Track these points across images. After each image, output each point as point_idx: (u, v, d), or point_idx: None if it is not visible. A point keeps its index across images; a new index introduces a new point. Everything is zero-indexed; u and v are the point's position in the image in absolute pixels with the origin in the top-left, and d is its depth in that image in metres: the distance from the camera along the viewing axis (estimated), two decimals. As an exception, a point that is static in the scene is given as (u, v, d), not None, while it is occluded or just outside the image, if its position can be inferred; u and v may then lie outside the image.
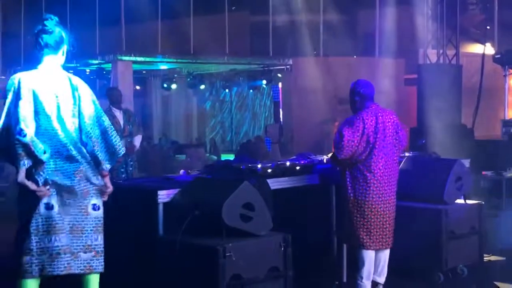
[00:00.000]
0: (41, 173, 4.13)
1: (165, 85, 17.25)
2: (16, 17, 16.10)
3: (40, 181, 4.12)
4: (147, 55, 14.03)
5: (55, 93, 4.21)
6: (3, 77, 15.20)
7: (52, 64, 4.29)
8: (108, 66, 13.56)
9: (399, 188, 5.72)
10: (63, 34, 4.34)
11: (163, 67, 16.06)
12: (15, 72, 4.39)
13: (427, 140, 8.98)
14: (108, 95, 9.16)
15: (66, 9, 15.02)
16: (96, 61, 13.66)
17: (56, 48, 4.30)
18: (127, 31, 14.04)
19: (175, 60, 14.78)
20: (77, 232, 4.25)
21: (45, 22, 4.30)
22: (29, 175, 4.14)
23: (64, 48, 4.35)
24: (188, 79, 17.05)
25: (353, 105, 5.65)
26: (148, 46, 14.67)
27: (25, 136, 4.07)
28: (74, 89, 4.28)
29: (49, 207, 4.16)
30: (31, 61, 4.36)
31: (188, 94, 18.34)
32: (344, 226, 5.55)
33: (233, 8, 15.84)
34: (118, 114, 8.91)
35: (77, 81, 4.34)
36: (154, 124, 18.25)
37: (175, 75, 17.22)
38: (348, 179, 5.41)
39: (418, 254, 5.95)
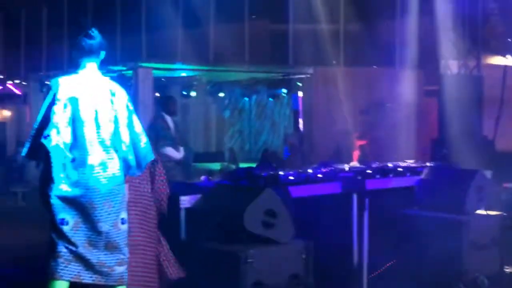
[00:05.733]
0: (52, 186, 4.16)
1: (184, 93, 17.29)
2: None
3: (51, 196, 4.16)
4: (167, 62, 14.08)
5: (94, 99, 4.26)
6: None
7: (93, 69, 4.35)
8: (129, 73, 13.63)
9: (421, 197, 5.74)
10: (102, 40, 4.40)
11: (183, 74, 16.10)
12: (56, 76, 4.43)
13: (448, 151, 8.97)
14: (162, 103, 9.28)
15: (87, 16, 15.15)
16: (118, 68, 13.73)
17: (97, 53, 4.37)
18: (148, 39, 14.11)
19: (194, 68, 14.82)
20: (112, 248, 4.27)
21: (91, 28, 4.37)
22: (44, 184, 4.19)
23: (103, 53, 4.42)
24: (208, 87, 17.07)
25: None
26: (168, 54, 14.72)
27: (49, 141, 4.13)
28: (112, 94, 4.33)
29: (63, 222, 4.18)
30: (73, 66, 4.42)
31: (207, 101, 18.36)
32: None
33: (253, 16, 15.86)
34: (170, 121, 9.02)
35: (115, 86, 4.40)
36: (173, 131, 18.28)
37: (195, 83, 17.25)
38: None
39: (439, 264, 5.92)
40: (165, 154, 8.45)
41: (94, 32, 4.37)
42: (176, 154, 8.82)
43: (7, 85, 19.68)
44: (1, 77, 19.61)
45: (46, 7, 16.96)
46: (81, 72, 4.34)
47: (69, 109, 4.19)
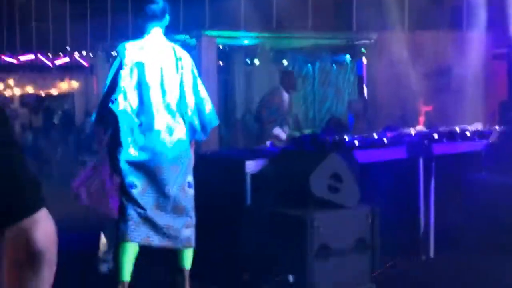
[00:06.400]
0: (120, 150, 4.22)
1: (247, 61, 17.28)
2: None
3: (120, 160, 4.23)
4: (230, 29, 14.09)
5: (160, 63, 4.32)
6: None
7: (158, 34, 4.41)
8: (193, 41, 13.69)
9: (489, 162, 5.63)
10: (166, 4, 4.46)
11: (246, 42, 16.10)
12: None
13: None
14: (281, 78, 9.29)
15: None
16: (181, 37, 13.81)
17: (161, 18, 4.42)
18: (211, 6, 14.14)
19: (258, 35, 14.78)
20: (179, 211, 4.35)
21: None
22: (113, 149, 4.27)
23: (167, 17, 4.47)
24: (271, 54, 17.00)
25: None
26: (231, 21, 14.72)
27: (117, 106, 4.19)
28: (177, 59, 4.38)
29: (132, 186, 4.26)
30: (138, 34, 4.49)
31: (270, 69, 18.31)
32: None
33: (316, -18, 15.69)
34: (286, 98, 9.02)
35: (181, 51, 4.45)
36: (237, 100, 18.33)
37: (258, 50, 17.22)
38: None
39: (507, 229, 5.81)
40: (274, 134, 8.54)
41: None
42: (283, 135, 8.85)
43: (74, 56, 20.05)
44: (68, 49, 19.99)
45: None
46: (146, 37, 4.39)
47: (135, 74, 4.25)
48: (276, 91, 9.09)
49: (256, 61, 17.34)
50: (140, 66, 4.27)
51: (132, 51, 4.29)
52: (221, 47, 14.84)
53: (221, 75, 15.88)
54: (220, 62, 16.52)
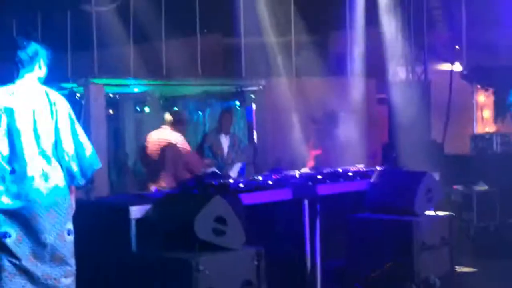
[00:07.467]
0: None
1: (137, 108, 17.19)
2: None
3: None
4: (119, 78, 13.98)
5: (32, 108, 4.21)
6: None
7: (29, 79, 4.29)
8: (81, 90, 13.49)
9: (372, 201, 5.83)
10: (38, 49, 4.34)
11: (136, 90, 16.02)
12: None
13: (398, 155, 9.11)
14: (219, 117, 9.09)
15: (37, 32, 14.98)
16: (69, 85, 13.59)
17: (30, 62, 4.29)
18: (99, 56, 14.00)
19: (147, 82, 14.74)
20: (58, 260, 4.22)
21: (17, 38, 4.32)
22: None
23: (41, 62, 4.34)
24: (161, 102, 16.99)
25: None
26: (120, 70, 14.61)
27: None
28: (52, 104, 4.28)
29: (5, 235, 4.12)
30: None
31: (161, 117, 18.26)
32: None
33: (205, 30, 15.87)
34: (224, 140, 8.82)
35: (56, 95, 4.35)
36: (128, 148, 18.15)
37: (148, 98, 17.17)
38: None
39: (391, 265, 5.98)
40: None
41: (23, 41, 4.31)
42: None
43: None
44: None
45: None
46: (18, 82, 4.28)
47: (4, 120, 4.13)
48: (209, 133, 9.09)
49: (147, 109, 17.27)
50: (9, 111, 4.15)
51: (1, 96, 4.18)
52: (110, 95, 14.70)
53: (111, 123, 15.71)
54: (110, 110, 16.36)
